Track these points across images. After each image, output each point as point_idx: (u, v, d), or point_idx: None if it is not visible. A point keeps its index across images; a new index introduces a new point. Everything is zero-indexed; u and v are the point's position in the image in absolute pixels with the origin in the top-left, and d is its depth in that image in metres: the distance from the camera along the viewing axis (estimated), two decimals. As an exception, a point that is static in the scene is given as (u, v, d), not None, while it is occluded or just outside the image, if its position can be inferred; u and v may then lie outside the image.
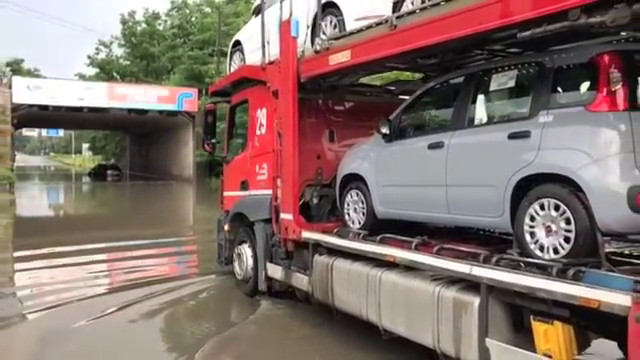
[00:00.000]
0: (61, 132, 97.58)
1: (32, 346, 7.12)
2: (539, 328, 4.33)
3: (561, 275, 4.23)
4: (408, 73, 9.05)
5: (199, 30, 54.65)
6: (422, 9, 5.62)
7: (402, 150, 6.37)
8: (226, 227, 9.84)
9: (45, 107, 39.94)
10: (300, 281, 7.63)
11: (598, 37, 4.87)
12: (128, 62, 66.74)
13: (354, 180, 7.09)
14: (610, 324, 3.88)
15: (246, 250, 9.02)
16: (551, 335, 4.22)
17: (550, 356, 4.23)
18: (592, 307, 3.89)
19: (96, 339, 7.24)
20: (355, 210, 7.07)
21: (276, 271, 8.23)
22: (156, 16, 64.55)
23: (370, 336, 6.32)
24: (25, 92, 38.64)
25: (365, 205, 6.87)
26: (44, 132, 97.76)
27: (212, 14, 52.54)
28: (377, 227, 6.65)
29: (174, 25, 61.28)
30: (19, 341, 7.37)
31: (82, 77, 65.66)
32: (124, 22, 64.94)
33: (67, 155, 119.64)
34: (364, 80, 8.93)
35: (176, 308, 8.79)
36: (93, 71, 68.41)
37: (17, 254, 14.40)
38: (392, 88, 8.89)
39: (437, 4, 5.40)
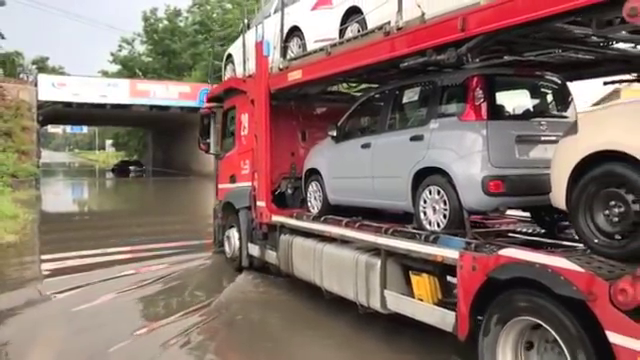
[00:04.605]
0: (85, 129, 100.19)
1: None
2: (414, 279, 5.90)
3: (427, 240, 5.78)
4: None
5: (220, 26, 53.77)
6: (348, 40, 7.22)
7: (345, 149, 7.87)
8: (219, 215, 11.49)
9: (69, 104, 40.63)
10: (271, 257, 9.24)
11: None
12: (150, 59, 67.09)
13: (314, 174, 8.60)
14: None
15: (234, 233, 10.61)
16: (421, 284, 5.78)
17: (422, 299, 5.79)
18: (440, 261, 5.44)
19: (110, 292, 9.21)
20: (315, 198, 8.61)
21: (254, 250, 9.87)
22: (177, 13, 64.70)
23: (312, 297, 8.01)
24: (50, 89, 39.34)
25: (321, 194, 8.39)
26: (68, 129, 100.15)
27: (233, 10, 52.31)
28: (331, 212, 8.13)
29: (195, 21, 61.84)
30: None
31: (105, 74, 65.75)
32: (146, 19, 65.24)
33: (91, 151, 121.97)
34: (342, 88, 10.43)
35: (174, 275, 10.56)
36: (116, 68, 68.95)
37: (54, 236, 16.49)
38: (359, 94, 10.23)
39: (357, 37, 7.03)
